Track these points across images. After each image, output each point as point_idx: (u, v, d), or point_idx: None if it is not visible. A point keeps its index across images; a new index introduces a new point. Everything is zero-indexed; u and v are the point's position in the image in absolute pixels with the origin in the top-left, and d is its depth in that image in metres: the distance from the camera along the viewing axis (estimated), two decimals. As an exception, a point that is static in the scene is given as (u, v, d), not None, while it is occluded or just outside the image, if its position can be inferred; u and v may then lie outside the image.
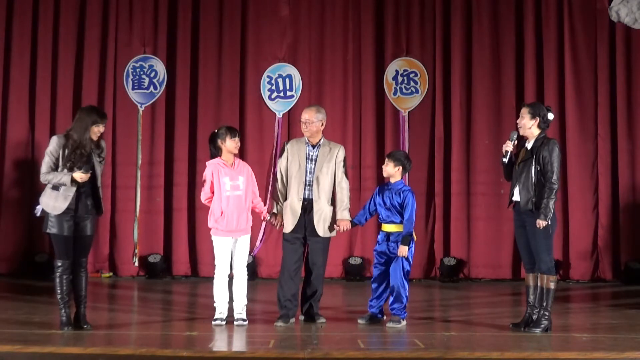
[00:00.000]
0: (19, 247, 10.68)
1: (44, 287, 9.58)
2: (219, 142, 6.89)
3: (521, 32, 10.85)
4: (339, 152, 7.11)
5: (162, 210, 10.79)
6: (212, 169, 6.87)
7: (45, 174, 6.38)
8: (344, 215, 7.05)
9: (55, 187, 6.35)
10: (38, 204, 6.49)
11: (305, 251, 7.08)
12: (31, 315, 7.25)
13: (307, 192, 7.01)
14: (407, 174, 10.57)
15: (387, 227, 6.97)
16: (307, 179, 7.03)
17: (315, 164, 7.03)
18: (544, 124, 6.63)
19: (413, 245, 6.95)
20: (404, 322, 6.81)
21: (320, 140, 7.10)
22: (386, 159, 7.08)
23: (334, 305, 8.11)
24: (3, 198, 10.74)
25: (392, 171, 7.01)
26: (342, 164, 7.10)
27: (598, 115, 10.70)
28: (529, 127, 6.62)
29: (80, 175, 6.29)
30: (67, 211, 6.37)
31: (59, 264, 6.41)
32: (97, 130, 6.48)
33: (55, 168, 6.37)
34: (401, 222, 6.90)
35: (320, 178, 7.01)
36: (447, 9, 10.91)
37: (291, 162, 7.08)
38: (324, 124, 7.13)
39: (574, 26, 10.76)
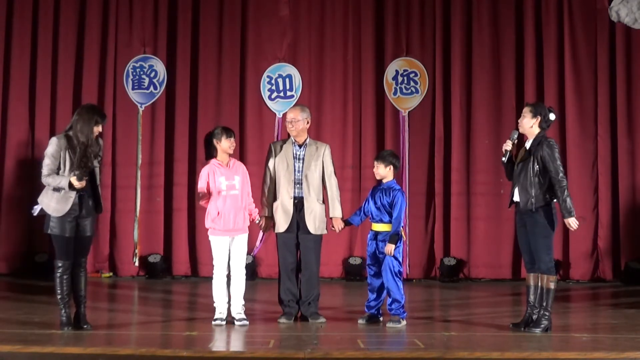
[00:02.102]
0: (19, 247, 10.68)
1: (44, 287, 9.58)
2: (215, 141, 6.87)
3: (521, 32, 10.85)
4: (326, 150, 7.17)
5: (162, 210, 10.79)
6: (208, 170, 6.87)
7: (46, 177, 6.34)
8: (335, 213, 7.12)
9: (57, 189, 6.31)
10: (36, 203, 6.45)
11: (298, 250, 7.11)
12: (31, 315, 7.25)
13: (297, 191, 7.05)
14: (407, 174, 10.68)
15: (376, 226, 6.99)
16: (296, 177, 7.05)
17: (303, 162, 7.08)
18: (544, 124, 6.63)
19: (401, 244, 6.94)
20: (404, 322, 6.80)
21: (306, 139, 7.15)
22: (375, 162, 7.07)
23: (334, 305, 8.11)
24: (3, 198, 10.74)
25: (384, 172, 7.02)
26: (329, 160, 7.16)
27: (598, 115, 10.69)
28: (530, 125, 6.63)
29: (76, 183, 6.22)
30: (70, 212, 6.34)
31: (59, 265, 6.39)
32: (96, 130, 6.46)
33: (56, 170, 6.32)
34: (389, 222, 6.91)
35: (309, 176, 7.05)
36: (447, 9, 10.91)
37: (279, 162, 7.11)
38: (309, 122, 7.19)
39: (574, 26, 10.76)
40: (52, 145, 6.36)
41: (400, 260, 6.94)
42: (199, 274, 10.64)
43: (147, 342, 6.13)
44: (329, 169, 7.15)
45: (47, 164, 6.34)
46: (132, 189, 10.72)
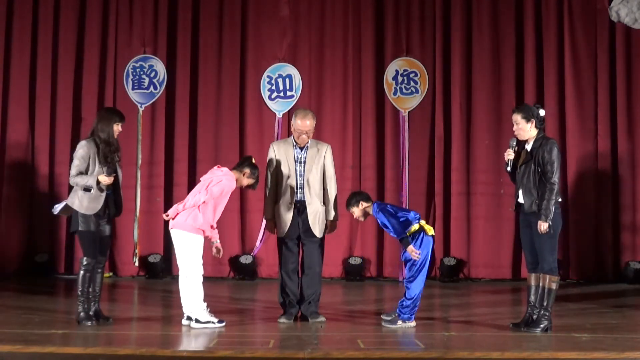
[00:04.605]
0: (19, 247, 10.68)
1: (44, 287, 9.59)
2: (248, 171, 6.85)
3: (521, 33, 10.85)
4: (327, 152, 7.14)
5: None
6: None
7: (74, 177, 6.61)
8: (330, 217, 7.12)
9: (87, 189, 6.56)
10: (58, 202, 6.78)
11: (300, 250, 7.12)
12: (31, 315, 7.25)
13: (298, 195, 7.03)
14: (407, 174, 10.68)
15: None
16: (298, 181, 7.03)
17: (304, 166, 7.04)
18: (539, 124, 6.62)
19: (422, 243, 6.79)
20: (401, 324, 6.74)
21: (307, 141, 7.11)
22: (348, 209, 6.95)
23: (334, 305, 8.10)
24: (3, 198, 10.74)
25: (360, 212, 6.90)
26: (330, 162, 7.14)
27: (598, 115, 10.69)
28: (527, 131, 6.62)
29: (104, 179, 6.53)
30: (97, 212, 6.63)
31: (86, 262, 6.64)
32: (117, 129, 6.79)
33: (84, 172, 6.58)
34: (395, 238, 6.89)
35: (310, 180, 7.03)
36: (447, 9, 10.91)
37: (280, 165, 7.08)
38: None
39: (574, 26, 10.76)
40: (82, 148, 6.65)
41: (419, 259, 6.77)
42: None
43: (147, 342, 6.13)
44: (330, 172, 7.12)
45: (75, 165, 6.62)
46: (132, 189, 10.70)
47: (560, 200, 6.52)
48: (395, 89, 10.88)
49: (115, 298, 9.11)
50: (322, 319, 7.02)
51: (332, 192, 7.13)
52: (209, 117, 10.78)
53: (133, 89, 10.88)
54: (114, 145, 6.72)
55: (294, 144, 7.11)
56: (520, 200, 6.62)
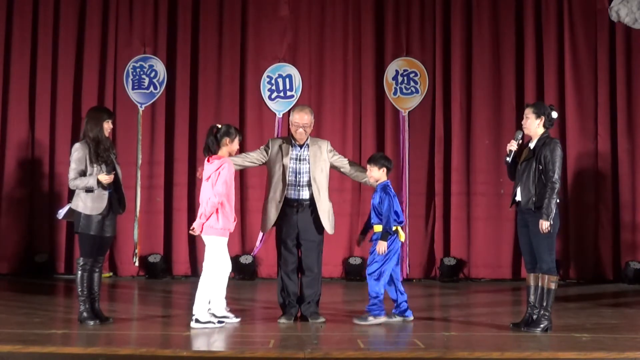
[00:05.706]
0: (19, 247, 10.67)
1: (44, 287, 9.59)
2: (226, 140, 6.76)
3: (521, 32, 10.85)
4: (328, 145, 7.20)
5: (162, 210, 10.79)
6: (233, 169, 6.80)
7: (73, 180, 6.67)
8: (364, 177, 7.25)
9: (89, 190, 6.61)
10: (58, 202, 6.75)
11: (299, 251, 7.12)
12: (31, 315, 7.25)
13: (299, 193, 7.02)
14: (407, 174, 10.68)
15: (375, 228, 6.97)
16: (299, 179, 7.01)
17: (309, 164, 7.04)
18: (548, 123, 6.65)
19: (393, 243, 6.88)
20: (372, 320, 6.76)
21: (307, 139, 7.11)
22: (368, 166, 7.05)
23: (334, 305, 8.11)
24: (3, 198, 10.74)
25: (378, 175, 6.99)
26: (332, 151, 7.20)
27: (598, 115, 10.70)
28: (535, 126, 6.64)
29: (104, 178, 6.58)
30: (101, 212, 6.66)
31: (82, 262, 6.70)
32: (107, 126, 6.82)
33: (83, 174, 6.63)
34: (380, 222, 6.90)
35: (317, 177, 7.03)
36: (447, 9, 10.91)
37: (274, 161, 7.08)
38: None
39: (574, 26, 10.76)
40: (77, 151, 6.70)
41: (388, 258, 6.87)
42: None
43: (147, 342, 6.13)
44: (338, 155, 7.22)
45: (73, 168, 6.67)
46: (132, 189, 10.69)
47: (557, 201, 6.53)
48: (395, 89, 10.88)
49: (115, 298, 9.11)
50: (322, 319, 7.02)
51: (352, 162, 7.33)
52: (209, 117, 10.77)
53: (133, 89, 10.89)
54: (106, 144, 6.75)
55: (293, 142, 7.10)
56: (518, 197, 6.64)
